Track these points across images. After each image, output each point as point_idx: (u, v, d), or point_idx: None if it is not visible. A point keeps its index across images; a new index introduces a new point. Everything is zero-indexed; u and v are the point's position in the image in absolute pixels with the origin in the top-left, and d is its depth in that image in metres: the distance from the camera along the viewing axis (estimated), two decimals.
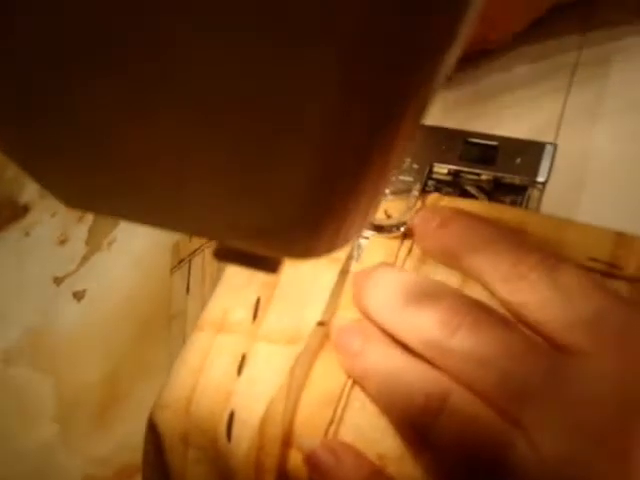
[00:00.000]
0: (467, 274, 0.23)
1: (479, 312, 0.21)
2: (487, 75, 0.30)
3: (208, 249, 0.34)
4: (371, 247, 0.26)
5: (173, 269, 0.36)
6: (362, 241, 0.26)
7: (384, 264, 0.24)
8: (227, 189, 0.12)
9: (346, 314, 0.24)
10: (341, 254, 0.25)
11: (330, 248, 0.14)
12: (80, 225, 0.45)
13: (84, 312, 0.41)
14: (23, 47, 0.09)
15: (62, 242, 0.45)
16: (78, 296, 0.42)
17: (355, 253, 0.26)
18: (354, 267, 0.26)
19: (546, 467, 0.18)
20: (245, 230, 0.14)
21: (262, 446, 0.22)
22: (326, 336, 0.24)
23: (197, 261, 0.34)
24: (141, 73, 0.09)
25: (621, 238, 0.23)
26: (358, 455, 0.21)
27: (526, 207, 0.27)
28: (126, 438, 0.34)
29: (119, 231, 0.44)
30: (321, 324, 0.24)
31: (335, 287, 0.25)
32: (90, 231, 0.45)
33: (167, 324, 0.32)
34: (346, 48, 0.09)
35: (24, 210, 0.47)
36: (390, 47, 0.09)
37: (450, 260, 0.23)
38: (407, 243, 0.25)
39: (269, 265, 0.17)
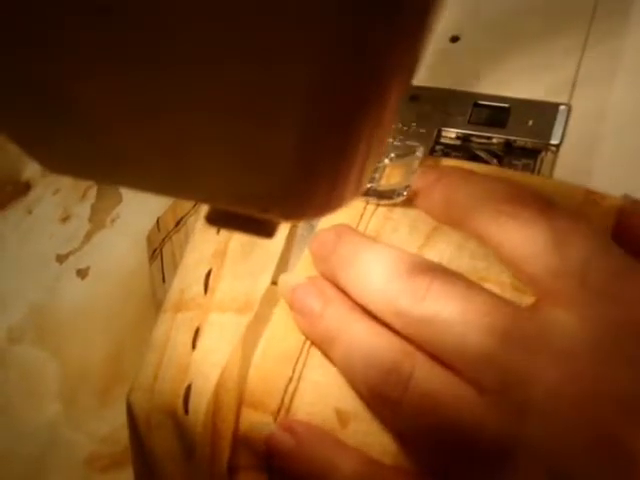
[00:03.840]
0: (466, 229, 0.22)
1: (442, 279, 0.20)
2: (497, 32, 0.29)
3: (175, 235, 0.34)
4: None
5: (150, 260, 0.36)
6: None
7: (345, 226, 0.23)
8: (220, 154, 0.12)
9: (303, 274, 0.23)
10: None
11: (324, 210, 0.14)
12: (83, 202, 0.45)
13: (88, 290, 0.41)
14: None
15: (65, 219, 0.44)
16: (82, 274, 0.42)
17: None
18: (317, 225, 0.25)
19: (509, 433, 0.18)
20: (241, 193, 0.14)
21: (217, 413, 0.21)
22: (277, 297, 0.24)
23: (167, 249, 0.34)
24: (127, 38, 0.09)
25: (590, 195, 0.22)
26: (317, 432, 0.20)
27: (539, 171, 0.26)
28: None
29: (122, 208, 0.43)
30: (275, 283, 0.24)
31: (284, 250, 0.24)
32: (93, 208, 0.44)
33: (156, 313, 0.32)
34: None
35: (26, 187, 0.46)
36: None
37: (449, 216, 0.23)
38: (373, 202, 0.24)
39: (264, 229, 0.17)
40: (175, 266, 0.30)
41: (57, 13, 0.09)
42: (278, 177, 0.12)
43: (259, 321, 0.23)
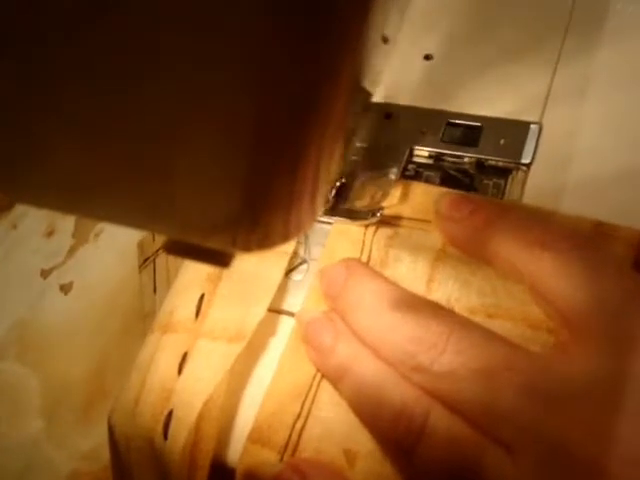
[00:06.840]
0: (496, 260, 0.22)
1: (460, 332, 0.20)
2: (469, 51, 0.29)
3: None
4: (334, 234, 0.25)
5: (140, 268, 0.36)
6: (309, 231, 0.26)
7: (354, 262, 0.23)
8: (174, 189, 0.12)
9: (313, 307, 0.23)
10: (288, 248, 0.25)
11: (283, 238, 0.14)
12: (67, 217, 0.45)
13: (71, 305, 0.41)
14: None
15: (49, 234, 0.44)
16: (65, 289, 0.42)
17: (302, 249, 0.26)
18: (320, 257, 0.25)
19: None
20: (194, 225, 0.14)
21: (197, 442, 0.21)
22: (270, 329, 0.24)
23: (161, 260, 0.34)
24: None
25: (600, 226, 0.22)
26: (325, 472, 0.20)
27: (510, 190, 0.26)
28: None
29: (106, 223, 0.43)
30: (271, 311, 0.24)
31: (280, 285, 0.24)
32: (77, 223, 0.44)
33: (142, 323, 0.32)
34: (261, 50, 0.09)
35: (11, 202, 0.46)
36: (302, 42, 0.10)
37: (478, 248, 0.22)
38: (371, 227, 0.24)
39: (220, 259, 0.17)
40: (168, 279, 0.30)
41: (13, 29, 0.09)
42: (233, 210, 0.13)
43: (250, 353, 0.23)
